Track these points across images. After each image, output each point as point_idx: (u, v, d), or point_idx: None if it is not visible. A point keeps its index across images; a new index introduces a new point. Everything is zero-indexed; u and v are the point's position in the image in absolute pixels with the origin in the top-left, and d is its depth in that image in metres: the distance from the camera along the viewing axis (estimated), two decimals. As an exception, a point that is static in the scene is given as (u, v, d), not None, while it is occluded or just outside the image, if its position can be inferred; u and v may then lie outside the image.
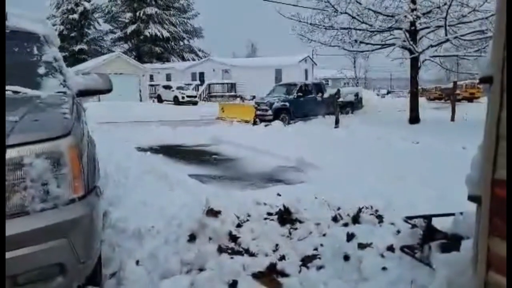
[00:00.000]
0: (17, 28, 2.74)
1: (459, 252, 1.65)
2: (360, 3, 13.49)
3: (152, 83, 33.58)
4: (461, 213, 2.07)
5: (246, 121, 14.43)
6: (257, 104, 15.25)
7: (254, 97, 17.59)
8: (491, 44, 1.20)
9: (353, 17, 13.91)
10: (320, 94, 16.61)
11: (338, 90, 15.32)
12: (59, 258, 1.69)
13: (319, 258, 2.64)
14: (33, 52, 2.78)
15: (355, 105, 18.54)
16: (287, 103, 15.46)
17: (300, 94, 16.25)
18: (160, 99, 29.15)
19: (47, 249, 1.64)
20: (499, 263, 1.13)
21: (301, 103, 15.87)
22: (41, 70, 2.63)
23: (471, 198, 1.29)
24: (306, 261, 2.63)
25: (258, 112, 14.77)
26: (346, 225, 3.17)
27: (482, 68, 1.34)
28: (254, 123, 14.25)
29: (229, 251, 2.73)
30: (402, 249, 2.30)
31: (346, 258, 2.49)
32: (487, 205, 1.17)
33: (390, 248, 2.49)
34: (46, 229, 1.64)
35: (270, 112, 14.85)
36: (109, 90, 2.87)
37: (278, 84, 18.77)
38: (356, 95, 19.17)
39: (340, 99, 16.81)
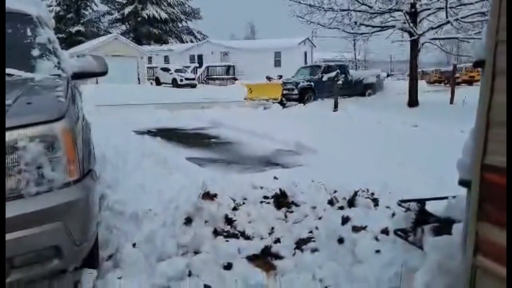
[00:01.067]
0: (9, 10, 2.70)
1: (450, 235, 1.67)
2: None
3: (150, 65, 33.24)
4: (454, 197, 2.08)
5: (275, 99, 14.80)
6: (283, 84, 15.65)
7: (281, 76, 17.86)
8: (485, 28, 1.18)
9: (353, -2, 13.70)
10: (343, 75, 16.96)
11: (337, 73, 15.30)
12: (54, 241, 1.71)
13: (314, 241, 2.67)
14: (26, 34, 2.74)
15: (376, 86, 18.72)
16: (312, 83, 16.12)
17: (324, 75, 16.60)
18: (158, 82, 28.89)
19: (42, 232, 1.65)
20: (487, 247, 1.15)
21: (325, 83, 16.18)
22: (35, 52, 2.60)
23: (462, 182, 1.30)
24: (301, 244, 2.66)
25: (285, 92, 15.29)
26: (341, 208, 3.20)
27: (477, 51, 1.33)
28: (281, 102, 14.63)
29: (225, 234, 2.76)
30: (395, 232, 2.32)
31: (341, 241, 2.52)
32: (476, 190, 1.17)
33: (384, 231, 2.51)
34: (41, 212, 1.66)
35: (296, 91, 15.47)
36: (104, 73, 2.85)
37: (302, 66, 19.55)
38: (378, 76, 19.38)
39: (364, 81, 17.70)
